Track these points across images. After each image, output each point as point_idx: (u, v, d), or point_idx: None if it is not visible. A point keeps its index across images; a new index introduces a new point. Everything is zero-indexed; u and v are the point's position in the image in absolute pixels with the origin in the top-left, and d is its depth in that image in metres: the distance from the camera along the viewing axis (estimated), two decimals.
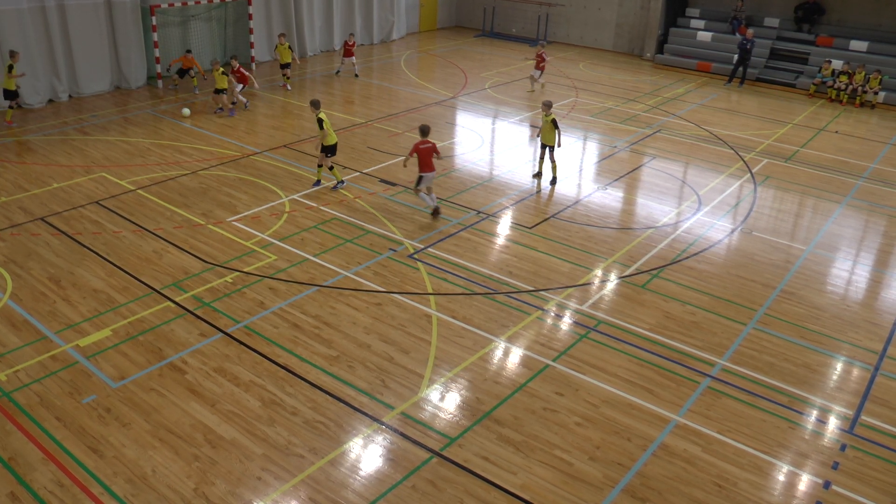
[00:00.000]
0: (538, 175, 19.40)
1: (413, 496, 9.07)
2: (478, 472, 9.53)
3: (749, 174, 20.80)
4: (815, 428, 10.92)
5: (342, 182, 17.81)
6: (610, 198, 18.59)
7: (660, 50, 34.83)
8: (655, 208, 18.03)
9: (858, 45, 31.29)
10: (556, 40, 37.90)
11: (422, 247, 15.14)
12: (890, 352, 12.87)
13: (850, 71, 29.81)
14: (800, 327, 13.40)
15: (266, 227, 15.61)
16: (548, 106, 18.88)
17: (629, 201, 18.61)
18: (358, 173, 18.68)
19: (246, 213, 16.15)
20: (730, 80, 31.76)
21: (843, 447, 10.52)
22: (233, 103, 23.43)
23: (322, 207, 16.51)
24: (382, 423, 10.27)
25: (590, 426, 10.50)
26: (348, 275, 13.96)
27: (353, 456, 9.67)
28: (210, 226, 15.56)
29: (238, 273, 13.83)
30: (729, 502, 9.37)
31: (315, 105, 17.30)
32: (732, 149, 22.80)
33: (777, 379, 11.87)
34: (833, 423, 11.03)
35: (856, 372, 12.32)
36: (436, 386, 11.11)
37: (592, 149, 22.39)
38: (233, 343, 11.82)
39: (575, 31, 37.59)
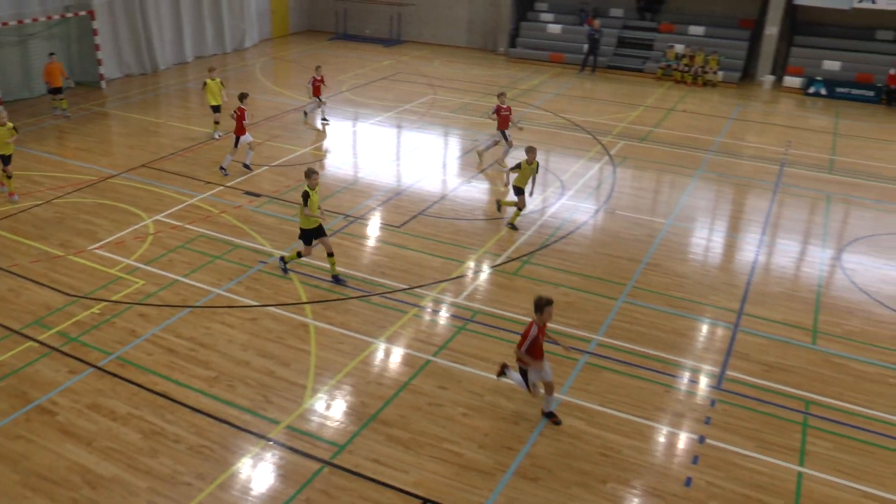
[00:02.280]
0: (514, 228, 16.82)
1: None
2: (370, 475, 9.52)
3: (608, 156, 21.56)
4: (688, 388, 11.50)
5: (339, 279, 14.19)
6: (475, 190, 18.90)
7: (512, 44, 35.60)
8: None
9: (696, 30, 33.32)
10: (409, 39, 38.14)
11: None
12: (747, 309, 13.69)
13: (691, 54, 31.50)
14: (666, 296, 14.03)
15: (131, 251, 15.06)
16: (531, 152, 16.31)
17: (494, 192, 18.95)
18: (222, 187, 18.28)
19: (108, 240, 15.52)
20: (582, 69, 32.86)
21: (713, 402, 11.13)
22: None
23: (188, 226, 16.07)
24: (269, 440, 10.10)
25: (476, 415, 10.66)
26: (220, 292, 13.66)
27: (242, 477, 9.47)
28: (70, 256, 14.87)
29: (105, 303, 13.27)
30: (615, 469, 9.74)
31: (308, 174, 13.80)
32: (590, 134, 23.57)
33: (650, 347, 12.40)
34: (703, 382, 11.65)
35: (719, 331, 13.03)
36: (319, 395, 11.02)
37: (454, 144, 22.69)
38: (105, 376, 11.31)
39: (428, 30, 37.95)
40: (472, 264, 14.98)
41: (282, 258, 14.38)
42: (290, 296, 13.59)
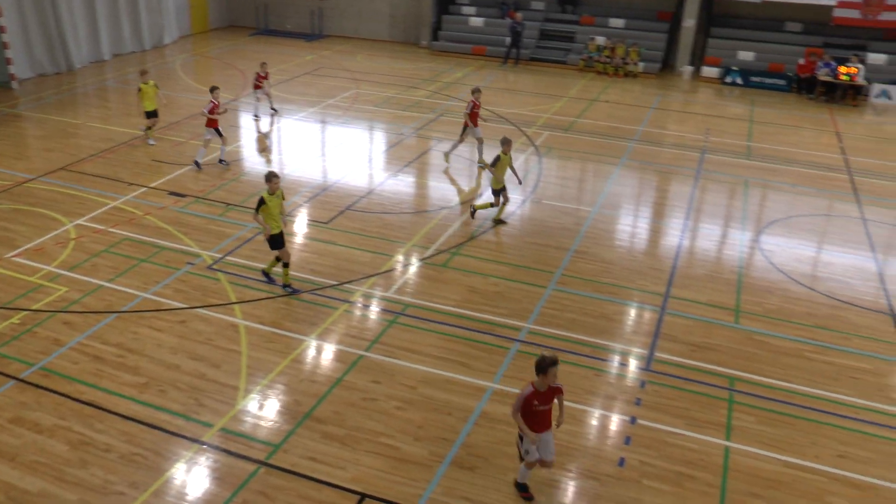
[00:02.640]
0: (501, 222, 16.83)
1: None
2: (307, 473, 9.46)
3: (533, 147, 21.80)
4: (618, 371, 11.76)
5: (289, 287, 13.81)
6: (402, 184, 18.91)
7: (434, 37, 35.67)
8: (448, 189, 18.55)
9: (616, 23, 34.02)
10: (331, 34, 37.88)
11: (220, 256, 14.74)
12: (672, 292, 14.04)
13: (611, 46, 32.06)
14: (594, 282, 14.27)
15: (52, 258, 14.60)
16: (506, 145, 16.34)
17: (421, 185, 19.02)
18: (145, 188, 17.87)
19: (27, 247, 15.02)
20: (504, 61, 33.11)
21: (642, 384, 11.40)
22: None
23: (111, 229, 15.66)
24: (203, 443, 9.93)
25: (410, 408, 10.69)
26: (147, 296, 13.36)
27: (177, 483, 9.29)
28: None
29: (25, 312, 12.82)
30: None
31: (267, 178, 13.20)
32: (514, 125, 23.78)
33: (579, 332, 12.61)
34: (632, 364, 11.92)
35: (647, 315, 13.33)
36: (252, 395, 10.89)
37: (379, 138, 22.65)
38: (28, 388, 10.90)
39: (349, 24, 37.74)
40: (401, 258, 15.00)
41: (284, 285, 13.73)
42: (219, 296, 13.40)
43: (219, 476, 9.40)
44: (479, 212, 16.77)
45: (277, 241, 13.30)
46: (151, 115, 20.95)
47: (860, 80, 28.79)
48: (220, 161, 19.54)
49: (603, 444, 10.18)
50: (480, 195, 18.27)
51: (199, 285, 13.77)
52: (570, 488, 9.44)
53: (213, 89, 19.39)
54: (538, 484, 9.39)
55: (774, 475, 9.72)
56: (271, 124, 23.42)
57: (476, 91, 19.81)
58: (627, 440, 10.22)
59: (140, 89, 20.68)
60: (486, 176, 18.78)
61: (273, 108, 23.93)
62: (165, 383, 11.06)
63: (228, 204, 17.07)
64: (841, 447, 10.27)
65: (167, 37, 34.59)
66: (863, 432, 10.59)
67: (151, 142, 21.10)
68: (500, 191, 16.36)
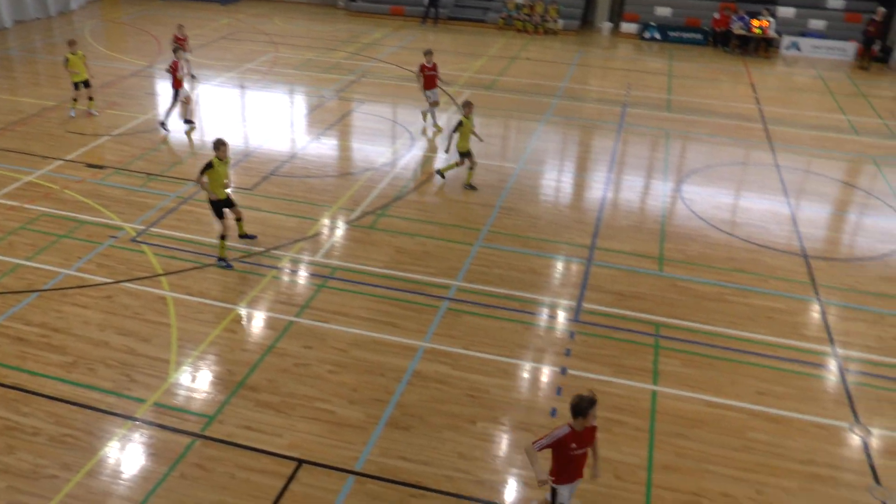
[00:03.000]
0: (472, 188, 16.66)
1: (183, 485, 8.78)
2: (243, 443, 9.39)
3: (455, 106, 21.76)
4: (547, 324, 11.95)
5: (248, 236, 14.08)
6: (325, 147, 18.71)
7: None
8: (371, 150, 18.43)
9: None
10: None
11: (143, 228, 14.41)
12: (598, 244, 14.30)
13: (530, 4, 32.07)
14: (521, 237, 14.43)
15: None
16: (467, 107, 16.20)
17: (345, 147, 18.86)
18: (61, 161, 17.27)
19: None
20: (423, 21, 32.85)
21: (571, 334, 11.63)
22: None
23: (26, 206, 15.10)
24: (136, 420, 9.75)
25: (343, 371, 10.70)
26: (70, 273, 12.98)
27: (111, 461, 9.11)
28: None
29: None
30: (484, 409, 10.03)
31: (216, 145, 13.14)
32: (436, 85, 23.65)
33: (508, 287, 12.75)
34: (561, 316, 12.13)
35: (574, 267, 13.56)
36: (184, 368, 10.74)
37: (300, 101, 22.33)
38: None
39: None
40: (327, 221, 14.89)
41: (219, 258, 13.38)
42: (145, 269, 13.11)
43: (154, 451, 9.27)
44: (447, 173, 16.88)
45: (225, 205, 13.28)
46: (82, 85, 19.94)
47: (771, 33, 29.56)
48: (162, 124, 19.31)
49: (535, 396, 10.37)
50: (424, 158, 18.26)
51: (123, 259, 13.44)
52: (505, 441, 9.60)
53: (175, 50, 19.50)
54: (473, 439, 9.54)
55: (699, 415, 10.07)
56: (191, 90, 22.89)
57: (427, 53, 19.79)
58: (559, 390, 10.43)
59: (67, 60, 19.71)
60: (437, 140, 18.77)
61: (191, 75, 23.36)
62: (94, 361, 10.81)
63: (149, 174, 16.64)
64: (760, 384, 10.69)
65: (73, 2, 33.25)
66: (779, 369, 11.04)
67: (72, 113, 20.25)
68: (466, 154, 16.32)
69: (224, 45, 28.19)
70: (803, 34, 30.38)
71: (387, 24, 32.71)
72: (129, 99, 21.67)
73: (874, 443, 9.77)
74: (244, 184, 16.35)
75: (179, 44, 22.16)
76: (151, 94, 22.27)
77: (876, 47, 28.67)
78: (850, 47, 29.54)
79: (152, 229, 14.34)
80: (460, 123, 15.98)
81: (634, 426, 9.83)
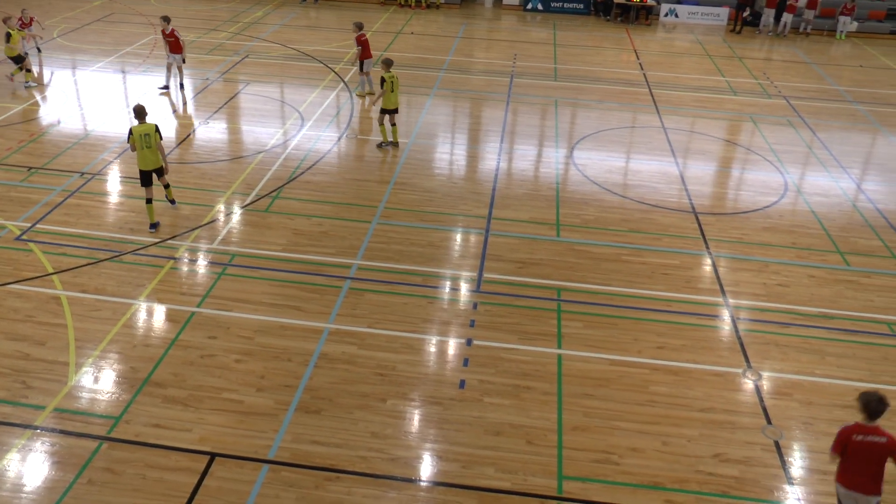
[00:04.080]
0: (394, 145, 17.42)
1: (91, 491, 8.45)
2: (152, 441, 9.12)
3: (343, 83, 21.50)
4: (450, 296, 12.00)
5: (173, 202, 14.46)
6: (214, 130, 18.19)
7: None
8: (261, 132, 18.04)
9: None
10: None
11: (28, 225, 13.71)
12: (495, 214, 14.45)
13: None
14: (418, 212, 14.42)
15: None
16: (388, 64, 17.02)
17: (234, 130, 18.38)
18: None
19: None
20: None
21: (475, 305, 11.73)
22: None
23: None
24: (36, 428, 9.31)
25: (250, 359, 10.50)
26: None
27: (12, 474, 8.67)
28: None
29: None
30: (393, 386, 10.03)
31: (137, 113, 13.21)
32: (322, 62, 23.34)
33: (408, 263, 12.74)
34: (464, 288, 12.22)
35: (472, 238, 13.65)
36: (85, 369, 10.30)
37: (185, 84, 21.62)
38: None
39: None
40: (222, 207, 14.52)
41: (150, 225, 13.67)
42: (34, 269, 12.49)
43: (58, 459, 8.87)
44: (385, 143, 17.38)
45: (146, 178, 13.51)
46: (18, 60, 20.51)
47: (650, 2, 30.31)
48: (164, 87, 20.82)
49: (443, 369, 10.42)
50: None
51: (8, 259, 12.76)
52: (416, 416, 9.61)
53: (166, 18, 20.33)
54: (385, 417, 9.53)
55: (603, 374, 10.35)
56: (40, 65, 22.05)
57: (358, 26, 20.11)
58: (466, 362, 10.51)
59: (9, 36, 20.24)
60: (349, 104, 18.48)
61: (38, 49, 22.88)
62: None
63: (31, 167, 15.82)
64: (659, 339, 11.09)
65: None
66: (676, 322, 11.46)
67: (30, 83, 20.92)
68: (393, 111, 17.01)
69: (99, 27, 26.96)
70: (680, 1, 31.30)
71: (267, 1, 31.97)
72: (1, 89, 20.49)
73: (764, 385, 10.30)
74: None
75: (23, 27, 21.73)
76: (24, 83, 21.11)
77: (745, 13, 29.86)
78: (724, 12, 30.67)
79: (39, 226, 13.66)
80: (383, 80, 16.56)
81: (542, 391, 10.02)
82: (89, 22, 27.78)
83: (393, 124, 17.18)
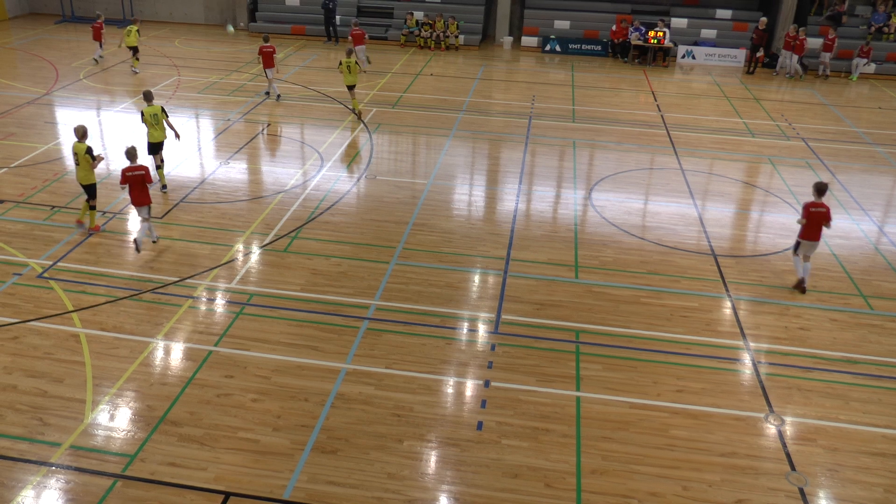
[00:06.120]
0: (359, 113, 22.45)
1: None
2: (167, 480, 9.08)
3: (362, 124, 21.71)
4: (468, 338, 11.96)
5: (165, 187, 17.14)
6: (234, 171, 18.38)
7: (252, 18, 34.78)
8: (281, 172, 18.20)
9: None
10: (145, 19, 36.06)
11: (50, 263, 13.84)
12: (513, 255, 14.44)
13: (430, 21, 32.26)
14: (436, 253, 14.45)
15: None
16: (349, 53, 22.44)
17: (254, 171, 18.56)
18: None
19: None
20: (328, 39, 32.76)
21: (493, 347, 11.68)
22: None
23: None
24: (52, 465, 9.30)
25: (266, 399, 10.48)
26: None
27: None
28: None
29: None
30: (410, 427, 9.96)
31: (146, 96, 17.23)
32: (341, 103, 23.60)
33: (427, 304, 12.74)
34: (482, 329, 12.17)
35: (490, 279, 13.63)
36: (101, 407, 10.31)
37: (206, 125, 21.89)
38: None
39: (163, 8, 36.11)
40: (241, 247, 14.62)
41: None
42: (54, 306, 12.59)
43: (73, 497, 8.85)
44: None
45: (153, 148, 16.68)
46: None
47: (668, 43, 30.52)
48: (266, 93, 24.43)
49: (460, 411, 10.35)
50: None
51: (30, 296, 12.87)
52: (433, 458, 9.53)
53: (266, 38, 23.72)
54: (402, 458, 9.47)
55: (623, 417, 10.24)
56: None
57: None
58: (483, 403, 10.44)
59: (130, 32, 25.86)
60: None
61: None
62: (1, 407, 10.24)
63: (54, 206, 16.03)
64: (679, 382, 10.97)
65: None
66: (696, 366, 11.35)
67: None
68: (352, 87, 22.15)
69: (125, 68, 27.44)
70: (696, 43, 31.51)
71: (289, 43, 32.44)
72: (27, 129, 20.83)
73: (788, 430, 10.12)
74: (154, 212, 15.74)
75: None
76: (51, 123, 21.47)
77: (761, 54, 30.00)
78: (740, 54, 30.81)
79: (60, 264, 13.80)
80: (340, 63, 21.63)
81: (561, 433, 9.92)
82: (114, 64, 28.28)
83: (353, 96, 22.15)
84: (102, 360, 11.28)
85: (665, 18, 31.68)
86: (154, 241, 14.54)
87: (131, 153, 14.02)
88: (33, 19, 36.18)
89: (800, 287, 13.54)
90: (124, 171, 13.90)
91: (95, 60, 28.24)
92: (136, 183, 13.96)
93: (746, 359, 11.62)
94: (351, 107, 22.82)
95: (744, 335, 12.16)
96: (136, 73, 26.97)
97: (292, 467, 9.30)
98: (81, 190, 15.11)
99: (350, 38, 27.34)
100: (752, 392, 10.85)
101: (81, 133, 14.59)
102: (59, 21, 35.73)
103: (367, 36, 28.63)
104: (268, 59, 23.59)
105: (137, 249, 13.98)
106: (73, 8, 36.26)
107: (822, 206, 13.21)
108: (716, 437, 9.93)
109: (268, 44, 23.63)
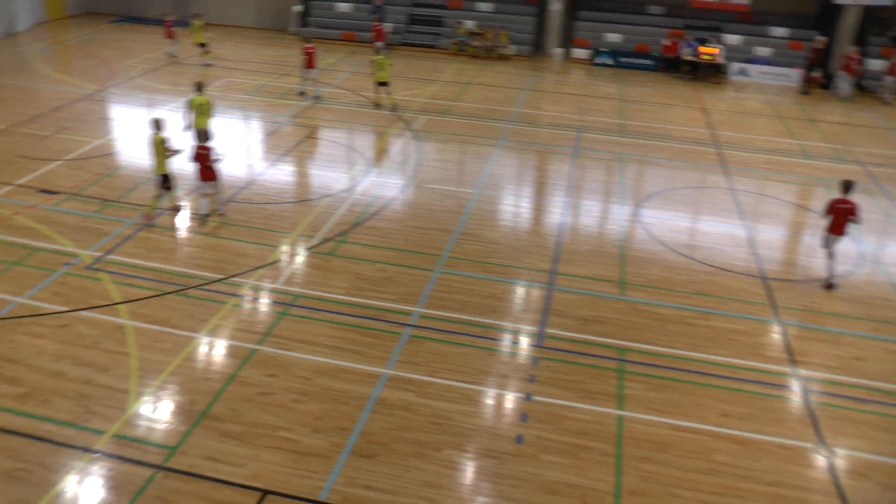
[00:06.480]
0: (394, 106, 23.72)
1: None
2: (206, 474, 9.18)
3: (410, 132, 21.76)
4: (511, 349, 11.91)
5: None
6: (282, 173, 18.54)
7: (303, 23, 35.09)
8: (329, 176, 18.32)
9: (485, 6, 34.31)
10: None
11: (100, 255, 14.07)
12: (559, 268, 14.34)
13: (481, 31, 32.30)
14: (481, 263, 14.41)
15: None
16: (379, 50, 23.93)
17: (302, 174, 18.71)
18: (11, 186, 16.83)
19: None
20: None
21: (535, 360, 11.60)
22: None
23: None
24: (95, 452, 9.46)
25: (307, 400, 10.53)
26: (23, 301, 12.59)
27: (68, 496, 8.81)
28: None
29: None
30: (449, 436, 9.93)
31: (198, 87, 18.13)
32: (391, 110, 23.68)
33: (470, 313, 12.70)
34: (524, 342, 12.11)
35: (535, 292, 13.55)
36: (145, 398, 10.45)
37: (255, 127, 22.13)
38: None
39: (215, 10, 36.52)
40: (287, 248, 14.72)
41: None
42: (102, 297, 12.78)
43: (114, 484, 8.99)
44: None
45: (200, 135, 15.76)
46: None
47: (720, 60, 30.16)
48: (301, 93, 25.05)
49: (500, 423, 10.29)
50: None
51: (79, 287, 13.10)
52: (471, 468, 9.50)
53: (307, 39, 24.66)
54: (439, 467, 9.43)
55: (664, 438, 10.09)
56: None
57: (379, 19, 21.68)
58: (524, 417, 10.37)
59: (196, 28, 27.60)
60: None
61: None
62: (49, 392, 10.47)
63: (105, 200, 16.29)
64: (723, 406, 10.76)
65: (20, 23, 32.57)
66: (742, 390, 11.13)
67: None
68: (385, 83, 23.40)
69: (177, 69, 27.87)
70: (750, 61, 31.12)
71: (339, 49, 32.64)
72: (81, 124, 21.24)
73: (839, 463, 9.86)
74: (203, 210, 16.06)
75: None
76: (103, 119, 21.87)
77: (818, 74, 29.48)
78: (796, 73, 30.30)
79: (109, 256, 14.02)
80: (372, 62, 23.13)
81: (601, 451, 9.81)
82: (167, 63, 28.70)
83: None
84: (147, 352, 11.44)
85: (718, 34, 31.33)
86: (221, 213, 15.73)
87: (202, 133, 15.51)
88: (90, 18, 36.91)
89: (827, 285, 14.15)
90: (193, 148, 15.33)
91: (170, 56, 29.16)
92: (204, 160, 15.27)
93: (795, 386, 11.37)
94: (376, 101, 23.96)
95: (793, 362, 11.90)
96: (210, 64, 28.46)
97: (330, 469, 9.32)
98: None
99: (372, 33, 29.59)
100: (800, 421, 10.61)
101: (159, 125, 15.20)
102: (114, 20, 36.40)
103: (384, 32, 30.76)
104: (310, 60, 24.06)
105: (204, 223, 15.51)
106: (129, 8, 36.88)
107: (848, 202, 13.74)
108: (761, 465, 9.72)
109: (309, 44, 24.14)
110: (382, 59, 23.37)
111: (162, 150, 15.07)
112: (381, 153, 19.98)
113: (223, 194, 16.10)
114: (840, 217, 13.85)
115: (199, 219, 15.60)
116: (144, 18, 36.73)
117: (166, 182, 15.38)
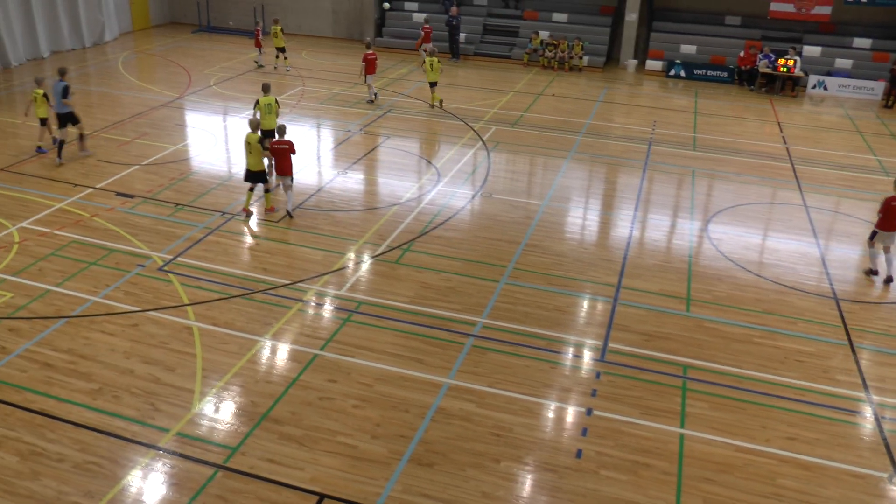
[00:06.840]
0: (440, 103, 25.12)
1: None
2: (265, 475, 9.36)
3: (481, 142, 21.84)
4: (573, 363, 11.85)
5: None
6: (351, 181, 18.79)
7: (378, 33, 35.52)
8: (397, 185, 18.50)
9: (560, 17, 34.18)
10: None
11: (171, 258, 14.51)
12: (624, 283, 14.20)
13: (555, 42, 32.22)
14: (547, 275, 14.37)
15: None
16: (431, 52, 25.09)
17: (370, 182, 18.94)
18: (91, 189, 17.48)
19: None
20: (453, 56, 33.09)
21: (598, 375, 11.51)
22: None
23: (57, 232, 15.28)
24: (159, 449, 9.75)
25: (367, 406, 10.65)
26: (98, 300, 13.08)
27: (133, 490, 9.11)
28: None
29: None
30: (508, 448, 9.93)
31: (265, 88, 19.09)
32: (462, 120, 23.80)
33: (533, 326, 12.68)
34: (587, 356, 12.03)
35: (599, 306, 13.46)
36: (208, 398, 10.74)
37: (327, 135, 22.48)
38: None
39: (293, 20, 37.28)
40: (352, 255, 14.92)
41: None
42: (171, 298, 13.19)
43: (176, 482, 9.25)
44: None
45: (267, 135, 17.20)
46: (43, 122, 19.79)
47: (798, 72, 29.44)
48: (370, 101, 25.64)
49: (560, 437, 10.25)
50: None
51: (150, 287, 13.54)
52: (529, 481, 9.48)
53: (368, 45, 25.16)
54: (498, 478, 9.43)
55: (727, 459, 9.90)
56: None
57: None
58: (584, 431, 10.31)
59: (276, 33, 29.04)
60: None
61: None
62: (119, 389, 10.85)
63: (178, 204, 16.81)
64: (790, 429, 10.50)
65: (108, 34, 33.82)
66: (810, 414, 10.84)
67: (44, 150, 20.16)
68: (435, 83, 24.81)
69: (253, 77, 28.49)
70: (830, 73, 30.29)
71: (413, 59, 32.94)
72: (159, 130, 21.95)
73: None
74: (271, 216, 16.43)
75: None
76: (181, 126, 22.53)
77: None
78: (879, 87, 29.38)
79: (179, 259, 14.44)
80: (424, 62, 24.33)
81: (662, 469, 9.68)
82: (243, 72, 29.40)
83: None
84: (212, 353, 11.74)
85: (797, 46, 30.55)
86: (290, 217, 16.42)
87: (281, 129, 16.35)
88: (173, 28, 38.05)
89: (887, 280, 14.73)
90: (272, 143, 16.21)
91: (258, 64, 30.42)
92: (282, 154, 16.09)
93: (868, 412, 11.01)
94: (430, 102, 25.21)
95: (866, 387, 11.53)
96: (289, 70, 29.61)
97: (388, 476, 9.41)
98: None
99: (422, 34, 30.94)
100: (873, 449, 10.26)
101: (255, 125, 16.20)
102: (196, 30, 37.43)
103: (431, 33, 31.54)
104: (370, 66, 24.79)
105: (290, 216, 16.39)
106: (209, 18, 37.91)
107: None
108: (830, 493, 9.43)
109: (370, 51, 24.77)
110: (433, 60, 24.41)
111: (258, 149, 15.88)
112: (450, 163, 20.08)
113: (293, 199, 16.47)
114: (892, 214, 14.32)
115: (286, 214, 16.45)
116: (223, 28, 37.70)
117: (259, 178, 16.31)
